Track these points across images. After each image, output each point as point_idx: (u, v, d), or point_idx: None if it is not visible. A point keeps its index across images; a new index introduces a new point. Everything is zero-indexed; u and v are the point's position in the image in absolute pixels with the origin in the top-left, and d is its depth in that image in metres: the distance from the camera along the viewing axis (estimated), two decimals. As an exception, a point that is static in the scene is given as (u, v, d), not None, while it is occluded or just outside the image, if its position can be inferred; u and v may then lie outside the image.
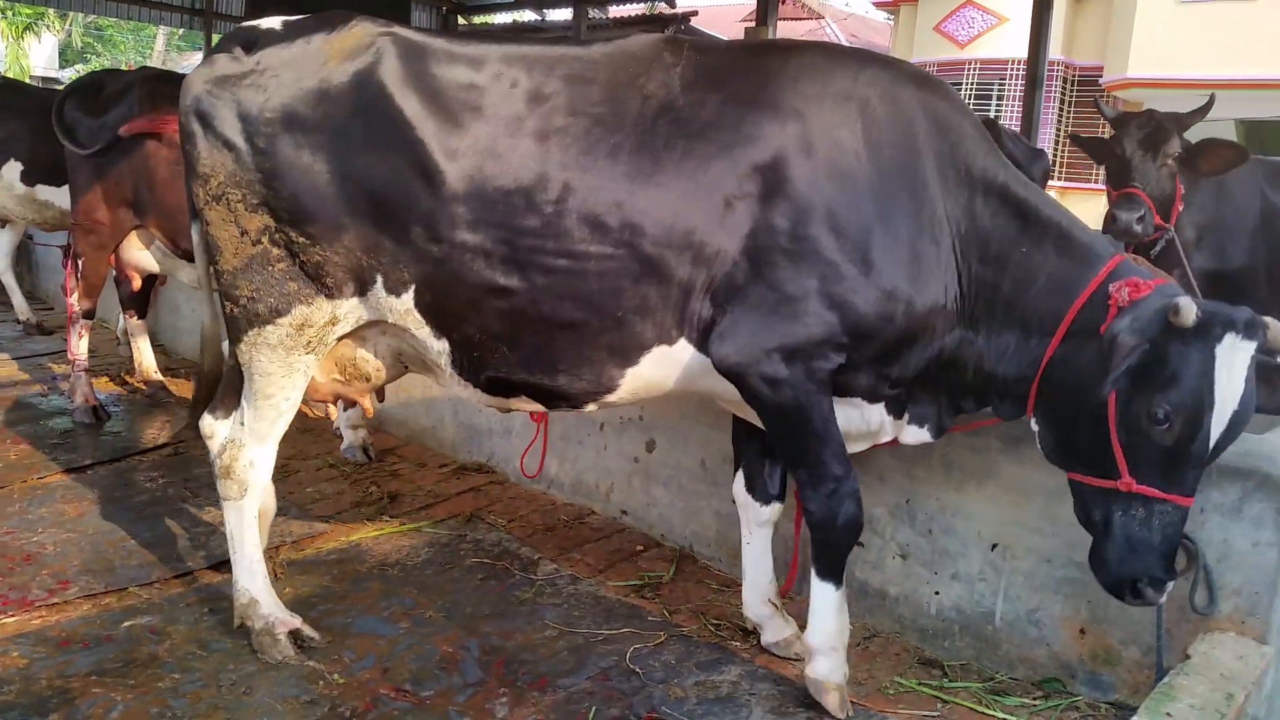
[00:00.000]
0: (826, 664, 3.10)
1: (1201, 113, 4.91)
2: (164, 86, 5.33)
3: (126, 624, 3.44)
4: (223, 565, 3.92)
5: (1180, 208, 4.77)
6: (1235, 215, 5.16)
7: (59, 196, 6.82)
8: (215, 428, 3.40)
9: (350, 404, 3.69)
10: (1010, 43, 19.84)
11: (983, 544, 3.45)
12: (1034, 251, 2.92)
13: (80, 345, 5.77)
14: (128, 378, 6.70)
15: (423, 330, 3.09)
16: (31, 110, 6.80)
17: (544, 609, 3.70)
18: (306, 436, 5.62)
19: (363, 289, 3.08)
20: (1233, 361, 2.53)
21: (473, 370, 3.12)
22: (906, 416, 3.17)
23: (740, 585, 3.60)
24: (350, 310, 3.13)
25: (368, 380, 3.43)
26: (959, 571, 3.50)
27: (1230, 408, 2.55)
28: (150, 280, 6.06)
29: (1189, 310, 2.50)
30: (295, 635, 3.34)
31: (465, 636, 3.47)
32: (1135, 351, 2.55)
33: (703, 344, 2.97)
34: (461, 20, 14.33)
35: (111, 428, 5.67)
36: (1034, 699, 3.24)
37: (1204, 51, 17.03)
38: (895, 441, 3.25)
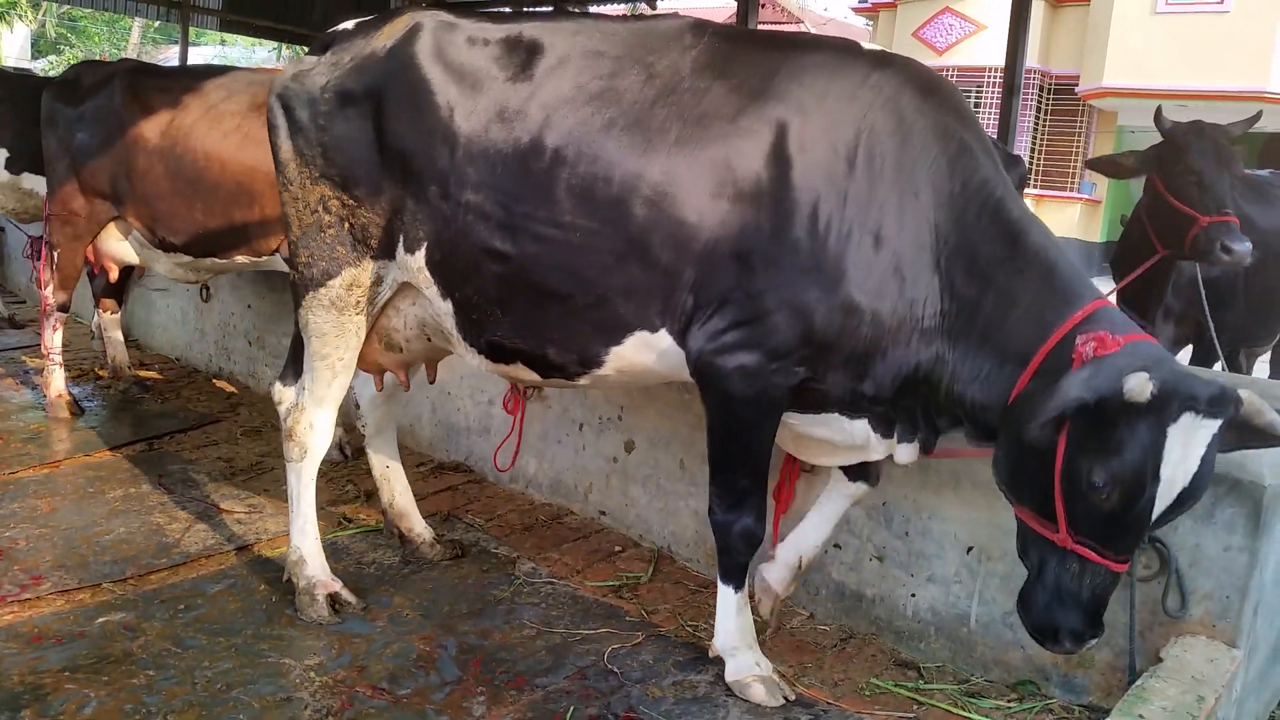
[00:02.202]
0: (736, 664, 3.20)
1: (1252, 122, 4.87)
2: (144, 78, 5.30)
3: (100, 620, 3.40)
4: (196, 561, 3.91)
5: None
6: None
7: (43, 185, 6.76)
8: (284, 393, 3.74)
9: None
10: (987, 50, 20.00)
11: (958, 546, 3.47)
12: (1017, 277, 2.77)
13: (54, 339, 5.73)
14: (100, 372, 6.62)
15: (431, 289, 3.29)
16: (16, 97, 6.73)
17: (522, 608, 3.70)
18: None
19: (392, 249, 3.33)
20: (1188, 440, 2.36)
21: (474, 334, 3.29)
22: (896, 434, 3.08)
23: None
24: (388, 270, 3.39)
25: (400, 351, 3.67)
26: (935, 574, 3.53)
27: (1179, 485, 2.40)
28: (127, 272, 6.00)
29: (1141, 388, 2.29)
30: (333, 599, 3.55)
31: (443, 635, 3.46)
32: (1070, 406, 2.38)
33: (682, 338, 2.99)
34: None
35: (85, 423, 5.61)
36: (1009, 701, 3.27)
37: (1178, 61, 17.25)
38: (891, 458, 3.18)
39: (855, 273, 2.80)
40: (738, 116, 2.89)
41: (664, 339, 3.03)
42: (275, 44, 27.97)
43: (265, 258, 5.15)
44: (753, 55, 3.04)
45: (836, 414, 3.07)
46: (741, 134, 2.87)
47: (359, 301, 3.43)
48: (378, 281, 3.42)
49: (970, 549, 3.45)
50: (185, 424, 5.68)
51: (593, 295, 3.02)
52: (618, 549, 4.30)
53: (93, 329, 7.28)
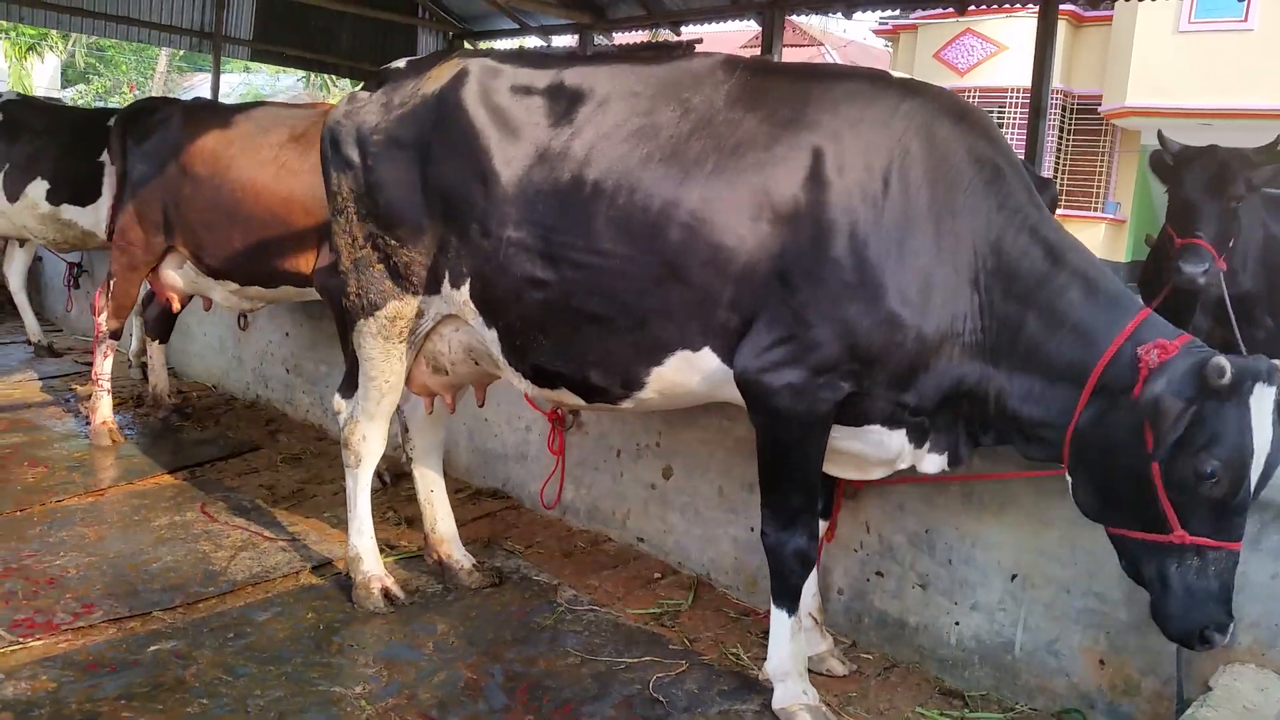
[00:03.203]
0: (784, 691, 3.21)
1: (1271, 149, 4.91)
2: (199, 113, 5.49)
3: (152, 648, 3.46)
4: (243, 589, 3.96)
5: (1233, 244, 4.78)
6: (1244, 242, 5.22)
7: (83, 216, 6.91)
8: (341, 405, 4.05)
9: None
10: (1009, 71, 19.99)
11: (1002, 573, 3.48)
12: (1060, 296, 2.88)
13: (104, 365, 5.85)
14: (142, 400, 6.70)
15: (477, 319, 3.45)
16: (58, 129, 6.88)
17: (565, 635, 3.73)
18: (321, 461, 5.66)
19: (438, 285, 3.50)
20: (1263, 408, 2.61)
21: (519, 358, 3.41)
22: (928, 445, 3.17)
23: (759, 613, 3.62)
24: (430, 304, 3.58)
25: (446, 374, 3.85)
26: (979, 601, 3.53)
27: (1265, 452, 2.63)
28: (182, 305, 6.09)
29: (1228, 370, 2.54)
30: (386, 592, 3.86)
31: (489, 663, 3.49)
32: (1185, 417, 2.59)
33: (729, 355, 3.07)
34: (467, 45, 14.45)
35: (126, 451, 5.68)
36: (1054, 729, 3.27)
37: (1201, 81, 17.18)
38: (913, 469, 3.27)
39: (896, 289, 2.88)
40: (772, 145, 3.00)
41: (707, 357, 3.11)
42: (301, 72, 28.35)
43: (309, 288, 5.22)
44: (783, 87, 3.16)
45: (878, 425, 3.12)
46: (777, 161, 2.98)
47: (402, 332, 3.66)
48: (419, 315, 3.63)
49: (1014, 576, 3.45)
50: (225, 451, 5.75)
51: (633, 317, 3.12)
52: (657, 575, 4.32)
53: (130, 358, 7.40)
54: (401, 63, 3.72)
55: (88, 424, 5.83)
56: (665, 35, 12.53)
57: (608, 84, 3.29)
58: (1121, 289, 2.97)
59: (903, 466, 3.27)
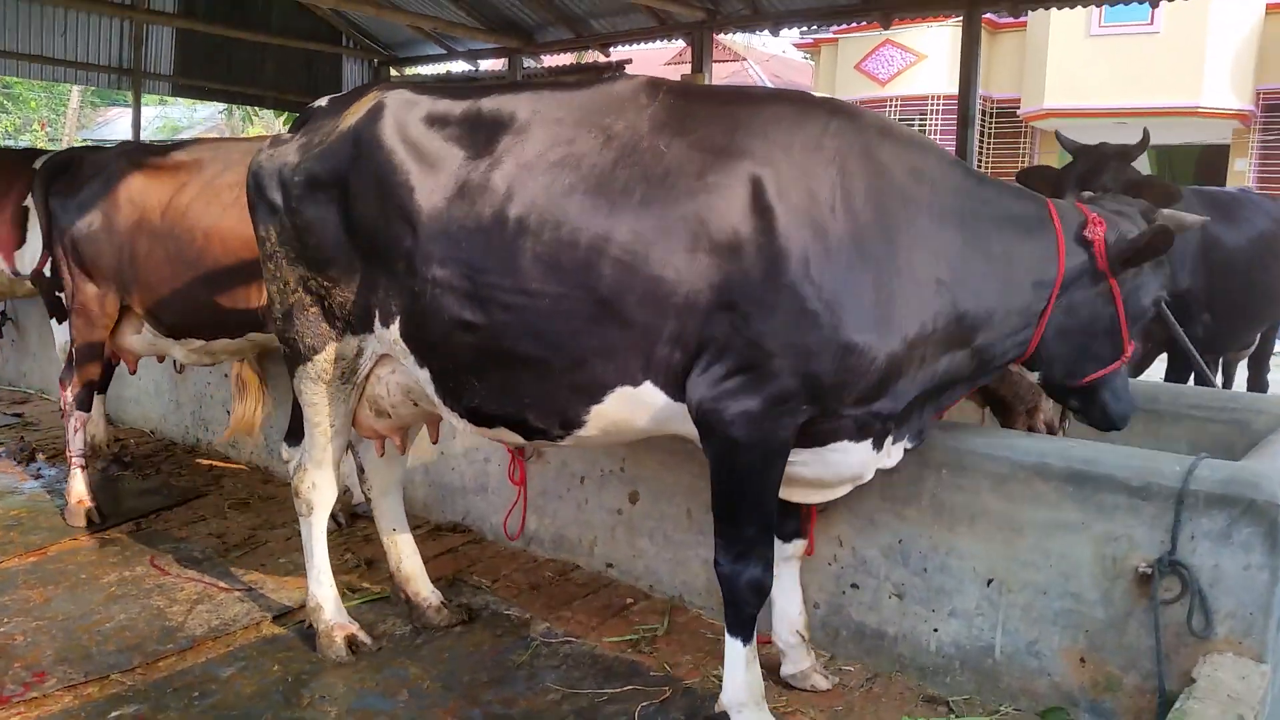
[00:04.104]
0: None
1: (1142, 146, 5.12)
2: (140, 157, 5.17)
3: (113, 714, 3.30)
4: (203, 644, 3.81)
5: None
6: (1182, 241, 5.36)
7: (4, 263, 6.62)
8: (291, 453, 3.99)
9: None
10: (929, 79, 20.45)
11: (978, 580, 3.49)
12: (1011, 240, 3.11)
13: (77, 440, 5.31)
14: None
15: (408, 360, 3.36)
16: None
17: (543, 671, 3.65)
18: (270, 505, 5.50)
19: (370, 323, 3.41)
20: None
21: (454, 400, 3.31)
22: (888, 442, 3.21)
23: None
24: (367, 343, 3.48)
25: (389, 417, 3.74)
26: (956, 608, 3.54)
27: None
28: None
29: (1187, 220, 3.29)
30: (350, 640, 3.74)
31: (467, 707, 3.40)
32: (1142, 263, 3.19)
33: (674, 389, 3.01)
34: (394, 72, 14.30)
35: (64, 504, 5.45)
36: (1039, 731, 3.28)
37: (1114, 81, 17.75)
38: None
39: (855, 309, 2.85)
40: (705, 172, 2.92)
41: (649, 392, 3.04)
42: (222, 105, 27.85)
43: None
44: (708, 112, 3.09)
45: (845, 442, 3.10)
46: (711, 189, 2.89)
47: (343, 374, 3.57)
48: (358, 354, 3.53)
49: (990, 581, 3.47)
50: (170, 500, 5.55)
51: (568, 358, 3.03)
52: (629, 601, 4.26)
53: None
54: (324, 101, 3.61)
55: (67, 502, 5.27)
56: (594, 57, 12.54)
57: (528, 111, 3.18)
58: (1028, 194, 3.35)
59: (867, 480, 3.30)
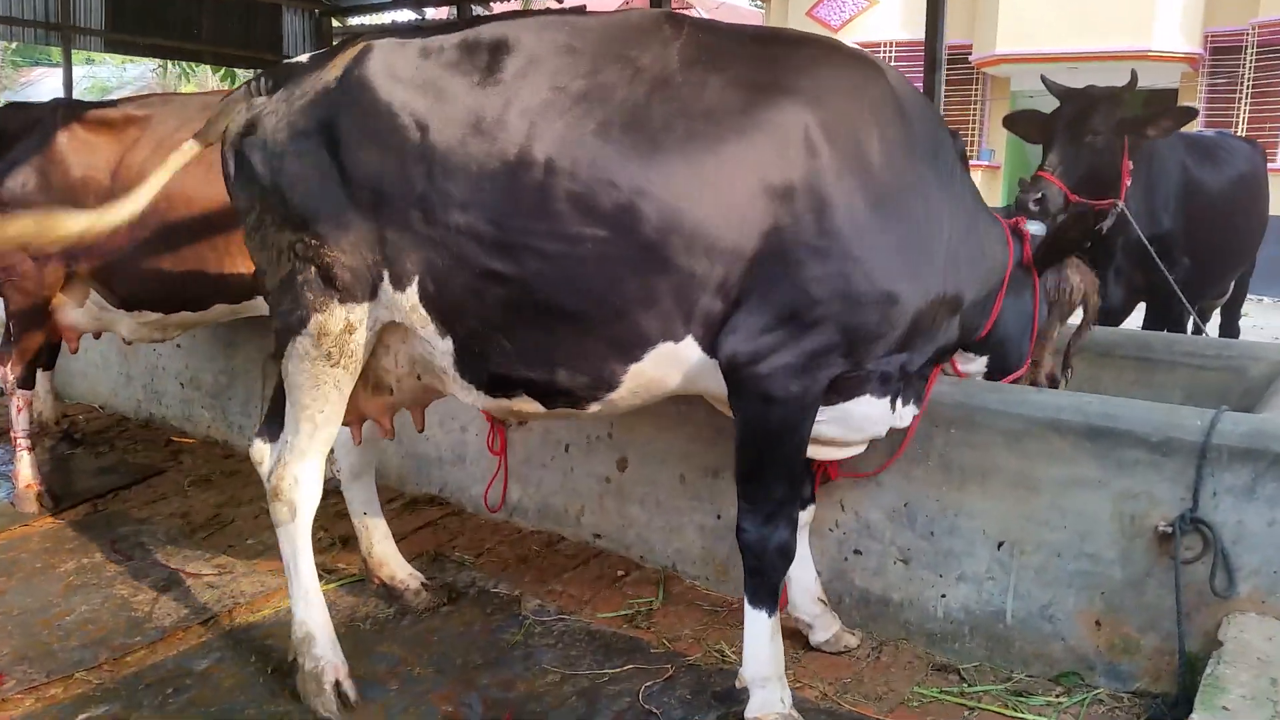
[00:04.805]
0: (761, 697, 2.99)
1: (1130, 87, 5.01)
2: (93, 117, 4.69)
3: (82, 717, 3.08)
4: (173, 635, 3.59)
5: (1128, 182, 4.85)
6: (1165, 183, 5.32)
7: None
8: (263, 452, 3.38)
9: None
10: (882, 24, 20.26)
11: (989, 542, 3.38)
12: (982, 224, 3.29)
13: (21, 420, 4.94)
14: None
15: (428, 329, 3.02)
16: None
17: (538, 651, 3.49)
18: (234, 481, 5.24)
19: (374, 290, 3.02)
20: None
21: (475, 369, 3.03)
22: (899, 402, 3.18)
23: (733, 603, 3.58)
24: (364, 315, 3.07)
25: (390, 394, 3.37)
26: (965, 572, 3.43)
27: None
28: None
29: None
30: (339, 689, 3.15)
31: (464, 691, 3.23)
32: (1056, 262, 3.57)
33: (709, 343, 2.85)
34: (336, 23, 13.79)
35: (11, 490, 5.14)
36: (1056, 696, 3.19)
37: (1066, 25, 17.68)
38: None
39: (897, 260, 2.83)
40: (751, 110, 2.77)
41: (689, 348, 2.87)
42: (155, 61, 26.84)
43: (245, 303, 4.70)
44: (743, 50, 2.94)
45: (868, 396, 3.02)
46: (760, 127, 2.75)
47: (330, 353, 3.10)
48: (349, 329, 3.07)
49: (1001, 544, 3.36)
50: (127, 479, 5.26)
51: (610, 309, 2.81)
52: (621, 573, 4.11)
53: (4, 385, 6.74)
54: (304, 57, 3.24)
55: (14, 486, 4.95)
56: (546, 3, 12.18)
57: (534, 37, 2.90)
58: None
59: (881, 434, 3.23)
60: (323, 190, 2.97)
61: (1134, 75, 5.05)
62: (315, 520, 4.46)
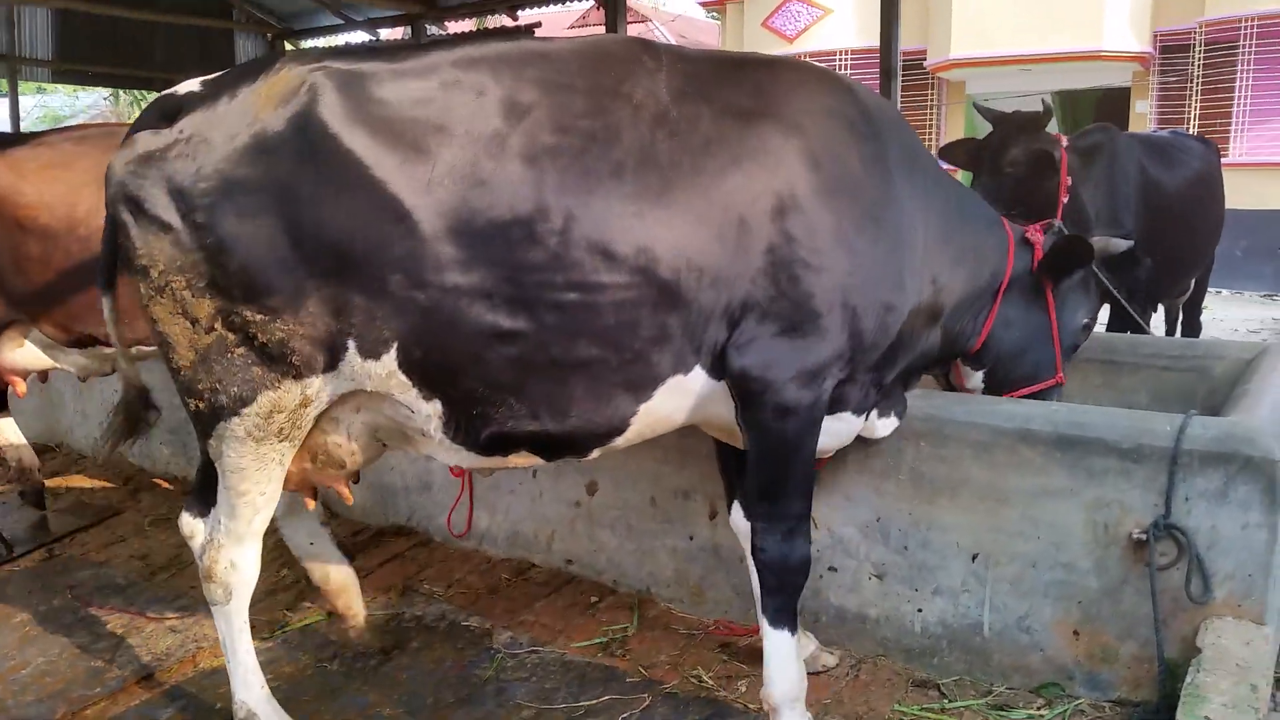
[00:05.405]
0: (792, 718, 2.97)
1: (1047, 115, 5.07)
2: (26, 151, 4.46)
3: (38, 777, 2.98)
4: (134, 685, 3.48)
5: (1065, 199, 4.90)
6: (1125, 185, 5.35)
7: None
8: (195, 527, 3.11)
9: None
10: (836, 33, 20.34)
11: (962, 555, 3.35)
12: (970, 230, 3.35)
13: None
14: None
15: (409, 394, 2.74)
16: None
17: (512, 686, 3.41)
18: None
19: (333, 360, 2.70)
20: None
21: (470, 430, 2.79)
22: (874, 414, 3.28)
23: (709, 625, 3.58)
24: (322, 387, 2.76)
25: (342, 467, 3.05)
26: (940, 585, 3.40)
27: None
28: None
29: (1116, 244, 3.91)
30: None
31: (436, 732, 3.15)
32: (1075, 277, 3.62)
33: (714, 367, 2.85)
34: (289, 45, 13.65)
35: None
36: (1038, 708, 3.16)
37: (1018, 28, 17.84)
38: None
39: (887, 271, 2.93)
40: (743, 138, 2.80)
41: (696, 377, 2.84)
42: (107, 90, 26.52)
43: None
44: (724, 75, 2.96)
45: (848, 412, 3.10)
46: (753, 155, 2.79)
47: (282, 429, 2.80)
48: (305, 403, 2.78)
49: (975, 556, 3.33)
50: (85, 520, 5.14)
51: (626, 353, 2.72)
52: (594, 599, 4.04)
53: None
54: (194, 84, 2.77)
55: None
56: (503, 21, 12.13)
57: (518, 74, 2.69)
58: (983, 202, 3.71)
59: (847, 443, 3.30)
60: (271, 255, 2.61)
61: (1045, 105, 5.08)
62: (277, 560, 4.41)
